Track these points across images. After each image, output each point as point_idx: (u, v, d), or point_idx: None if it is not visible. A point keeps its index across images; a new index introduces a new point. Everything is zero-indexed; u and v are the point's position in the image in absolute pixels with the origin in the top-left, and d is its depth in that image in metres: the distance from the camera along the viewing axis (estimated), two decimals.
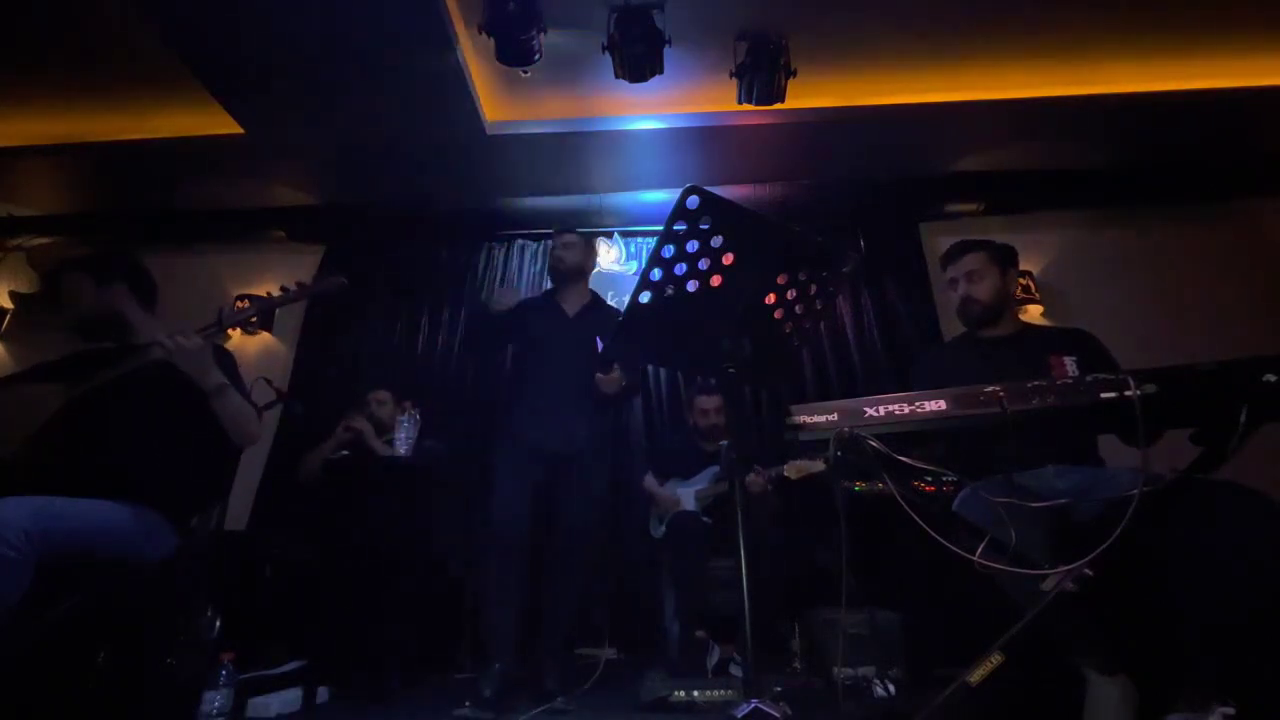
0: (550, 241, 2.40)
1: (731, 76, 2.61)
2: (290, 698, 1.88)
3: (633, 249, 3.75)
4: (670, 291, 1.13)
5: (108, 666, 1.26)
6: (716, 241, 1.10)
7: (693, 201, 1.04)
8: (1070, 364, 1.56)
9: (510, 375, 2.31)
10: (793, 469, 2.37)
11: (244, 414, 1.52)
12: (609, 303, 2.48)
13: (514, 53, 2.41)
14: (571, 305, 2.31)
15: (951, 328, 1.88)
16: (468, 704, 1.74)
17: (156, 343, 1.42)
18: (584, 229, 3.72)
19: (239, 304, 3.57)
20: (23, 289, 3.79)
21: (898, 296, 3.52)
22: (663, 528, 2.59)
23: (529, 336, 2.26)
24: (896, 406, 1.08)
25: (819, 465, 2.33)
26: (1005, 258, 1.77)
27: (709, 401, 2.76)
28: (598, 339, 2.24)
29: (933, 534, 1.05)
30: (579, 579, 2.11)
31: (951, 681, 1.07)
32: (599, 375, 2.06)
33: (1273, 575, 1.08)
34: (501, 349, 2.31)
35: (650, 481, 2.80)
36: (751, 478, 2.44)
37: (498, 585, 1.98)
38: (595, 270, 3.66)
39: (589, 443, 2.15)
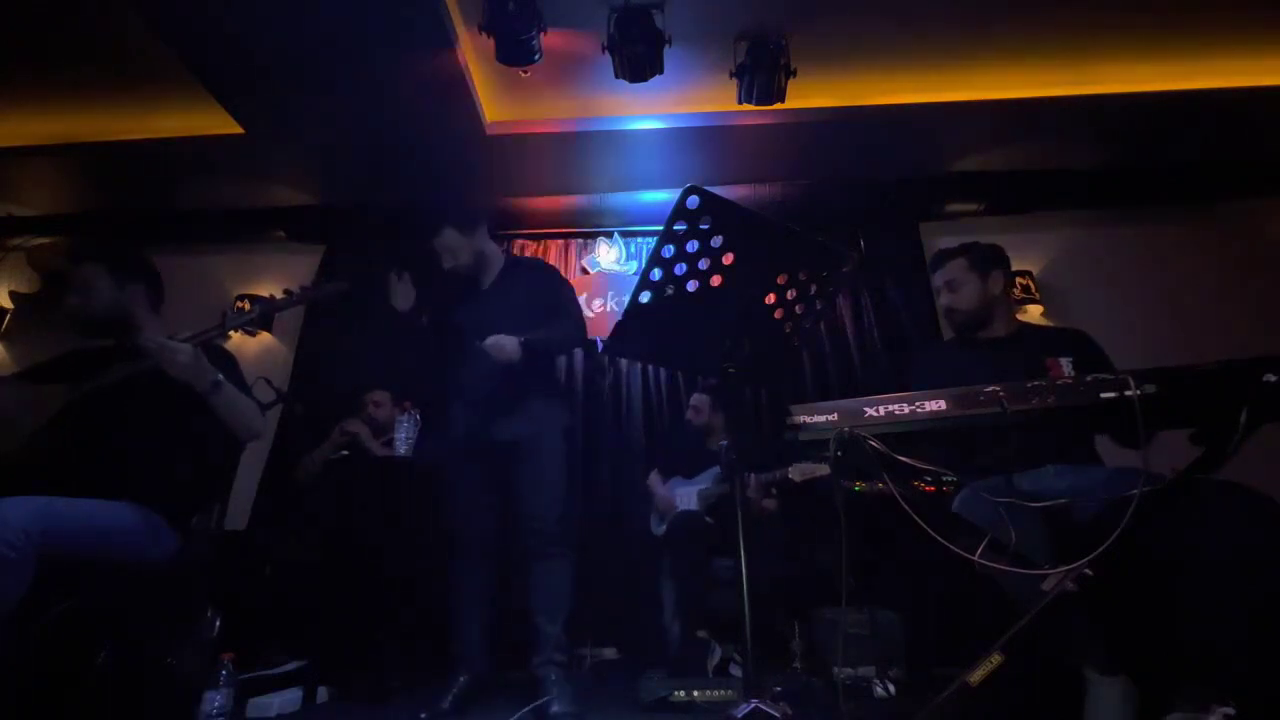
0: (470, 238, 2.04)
1: (731, 76, 2.61)
2: (290, 698, 1.88)
3: (633, 249, 3.75)
4: (670, 291, 1.13)
5: (108, 666, 1.26)
6: (716, 241, 1.10)
7: (693, 201, 1.04)
8: (1066, 365, 1.56)
9: (442, 372, 2.07)
10: (797, 471, 2.37)
11: (245, 409, 1.51)
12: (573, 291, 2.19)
13: (514, 53, 2.41)
14: (487, 276, 2.10)
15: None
16: (423, 715, 1.68)
17: (146, 344, 1.41)
18: (583, 229, 3.77)
19: (239, 305, 3.58)
20: (23, 289, 3.79)
21: (898, 296, 3.52)
22: (663, 526, 2.59)
23: (449, 323, 2.08)
24: (896, 406, 1.08)
25: (823, 469, 2.31)
26: (987, 261, 1.75)
27: (699, 400, 2.80)
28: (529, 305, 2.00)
29: (933, 534, 1.05)
30: (564, 580, 1.88)
31: (951, 681, 1.07)
32: (483, 345, 1.80)
33: (1272, 575, 1.08)
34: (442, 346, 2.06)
35: (654, 479, 2.80)
36: (753, 491, 2.43)
37: (463, 595, 1.89)
38: (596, 270, 3.70)
39: (538, 426, 1.92)
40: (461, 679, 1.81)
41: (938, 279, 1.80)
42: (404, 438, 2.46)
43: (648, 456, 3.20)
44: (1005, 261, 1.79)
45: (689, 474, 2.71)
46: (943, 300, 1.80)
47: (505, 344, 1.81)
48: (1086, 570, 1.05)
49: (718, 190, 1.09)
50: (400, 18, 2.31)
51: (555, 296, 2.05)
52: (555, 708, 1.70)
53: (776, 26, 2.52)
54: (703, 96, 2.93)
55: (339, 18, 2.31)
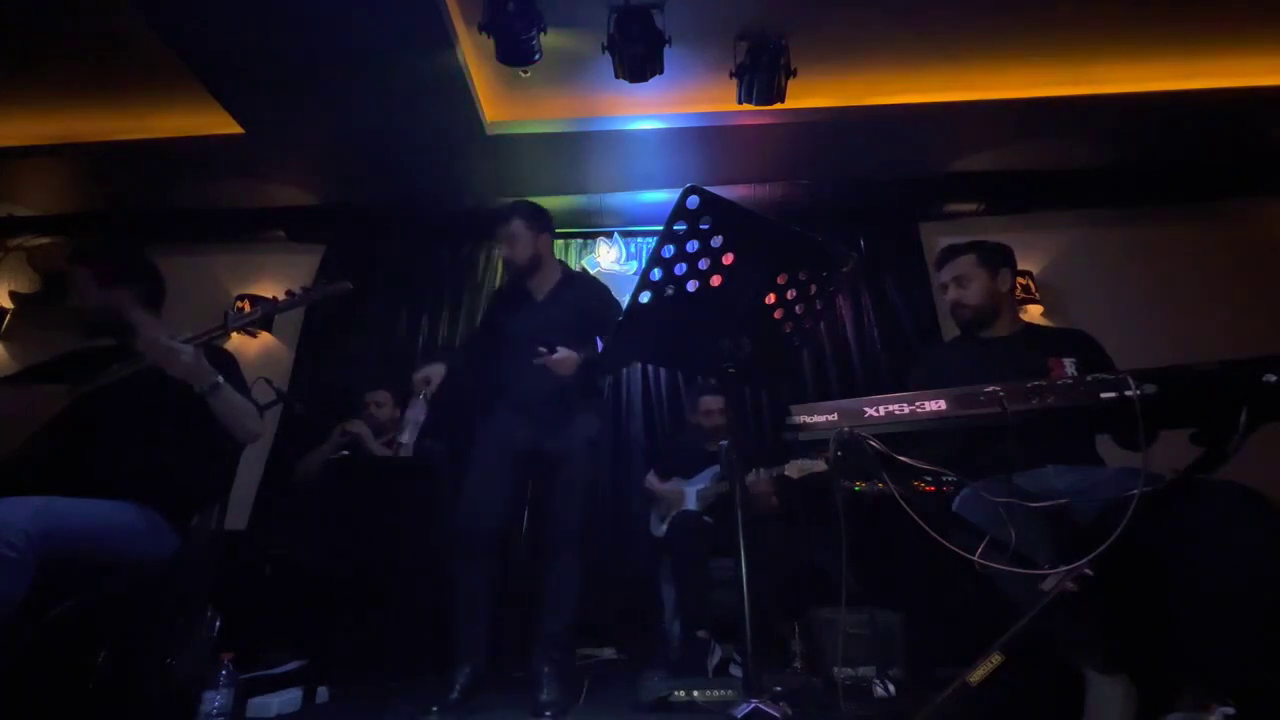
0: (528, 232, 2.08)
1: (731, 76, 2.62)
2: (290, 698, 1.87)
3: (633, 249, 3.76)
4: (670, 291, 1.13)
5: (108, 666, 1.26)
6: (716, 241, 1.10)
7: (693, 201, 1.04)
8: (1069, 365, 1.55)
9: (491, 375, 2.13)
10: (794, 468, 2.38)
11: (243, 411, 1.51)
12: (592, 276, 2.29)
13: (514, 53, 2.41)
14: (541, 288, 2.13)
15: (951, 327, 1.88)
16: (435, 709, 1.69)
17: (144, 345, 1.41)
18: (583, 229, 3.77)
19: (240, 305, 3.58)
20: (23, 289, 3.79)
21: (898, 296, 3.52)
22: (664, 526, 2.59)
23: (502, 331, 2.14)
24: (896, 406, 1.08)
25: (820, 465, 2.32)
26: (996, 259, 1.75)
27: (714, 402, 2.76)
28: (580, 318, 2.07)
29: (933, 534, 1.05)
30: (573, 582, 1.93)
31: (951, 681, 1.07)
32: (541, 361, 1.86)
33: (1272, 575, 1.08)
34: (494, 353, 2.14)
35: (651, 480, 2.80)
36: (753, 479, 2.44)
37: (470, 593, 1.90)
38: (595, 270, 3.70)
39: (577, 438, 1.99)
40: (466, 669, 1.82)
41: (945, 274, 1.78)
42: (414, 421, 2.42)
43: (648, 456, 3.20)
44: (1013, 261, 1.78)
45: (687, 475, 2.71)
46: (949, 295, 1.77)
47: (568, 359, 1.87)
48: (1086, 570, 1.05)
49: (718, 190, 1.09)
50: (400, 17, 2.31)
51: (608, 314, 2.09)
52: (544, 696, 1.75)
53: (776, 26, 2.53)
54: (703, 96, 2.94)
55: (339, 18, 2.32)
